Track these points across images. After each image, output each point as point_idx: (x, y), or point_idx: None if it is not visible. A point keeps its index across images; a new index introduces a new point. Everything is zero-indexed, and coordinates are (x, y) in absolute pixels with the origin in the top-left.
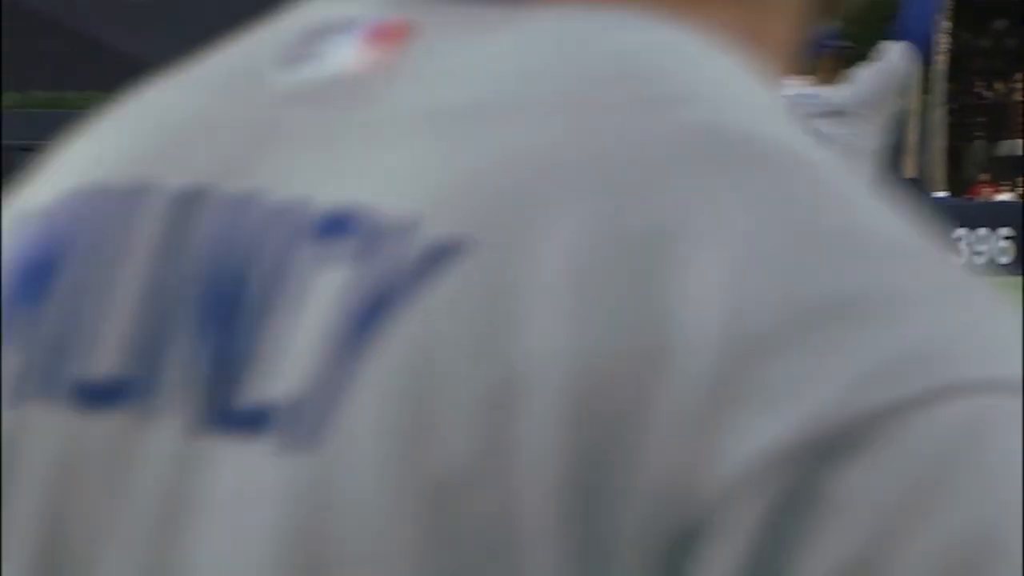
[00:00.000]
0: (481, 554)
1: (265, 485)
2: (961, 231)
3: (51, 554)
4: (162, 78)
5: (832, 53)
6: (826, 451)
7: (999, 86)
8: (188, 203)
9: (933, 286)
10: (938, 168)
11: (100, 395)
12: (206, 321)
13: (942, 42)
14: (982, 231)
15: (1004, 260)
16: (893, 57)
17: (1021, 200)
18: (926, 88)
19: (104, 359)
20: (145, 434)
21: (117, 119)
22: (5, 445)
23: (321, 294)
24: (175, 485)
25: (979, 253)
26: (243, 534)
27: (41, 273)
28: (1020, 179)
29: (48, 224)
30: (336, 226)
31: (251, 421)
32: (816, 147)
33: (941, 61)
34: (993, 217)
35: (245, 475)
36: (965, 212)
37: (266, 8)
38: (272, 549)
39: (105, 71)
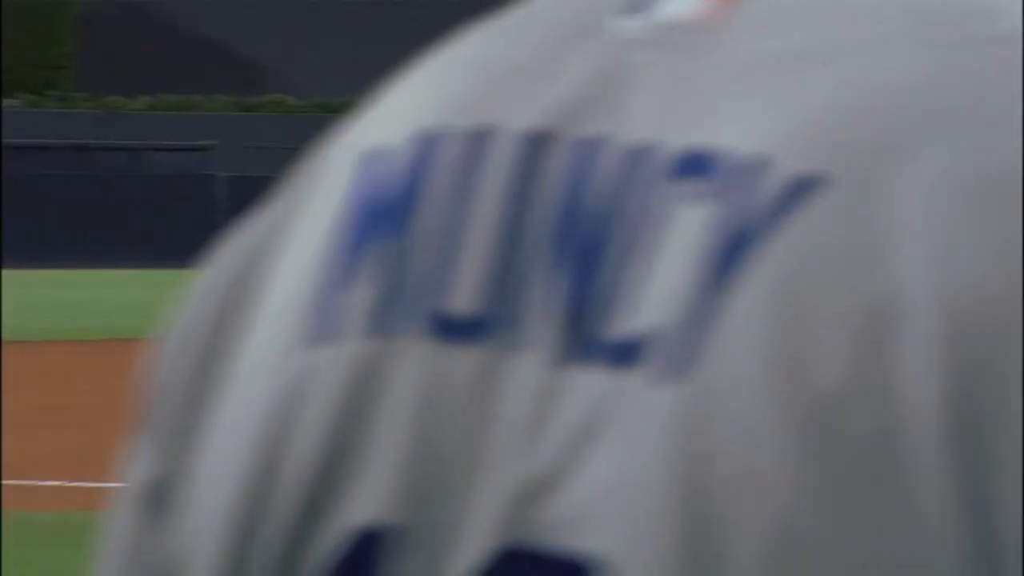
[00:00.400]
0: (863, 473)
1: (646, 412)
2: None
3: (418, 480)
4: (480, 26)
5: None
6: None
7: None
8: (537, 146)
9: None
10: None
11: (462, 330)
12: (565, 259)
13: None
14: None
15: None
16: None
17: None
18: None
19: (463, 296)
20: (508, 367)
21: (445, 64)
22: (364, 374)
23: (682, 232)
24: (541, 414)
25: None
26: (631, 458)
27: (397, 209)
28: None
29: (396, 163)
30: (693, 166)
31: (621, 352)
32: None
33: None
34: None
35: (621, 404)
36: None
37: (385, 17)
38: (661, 472)
39: (228, 75)
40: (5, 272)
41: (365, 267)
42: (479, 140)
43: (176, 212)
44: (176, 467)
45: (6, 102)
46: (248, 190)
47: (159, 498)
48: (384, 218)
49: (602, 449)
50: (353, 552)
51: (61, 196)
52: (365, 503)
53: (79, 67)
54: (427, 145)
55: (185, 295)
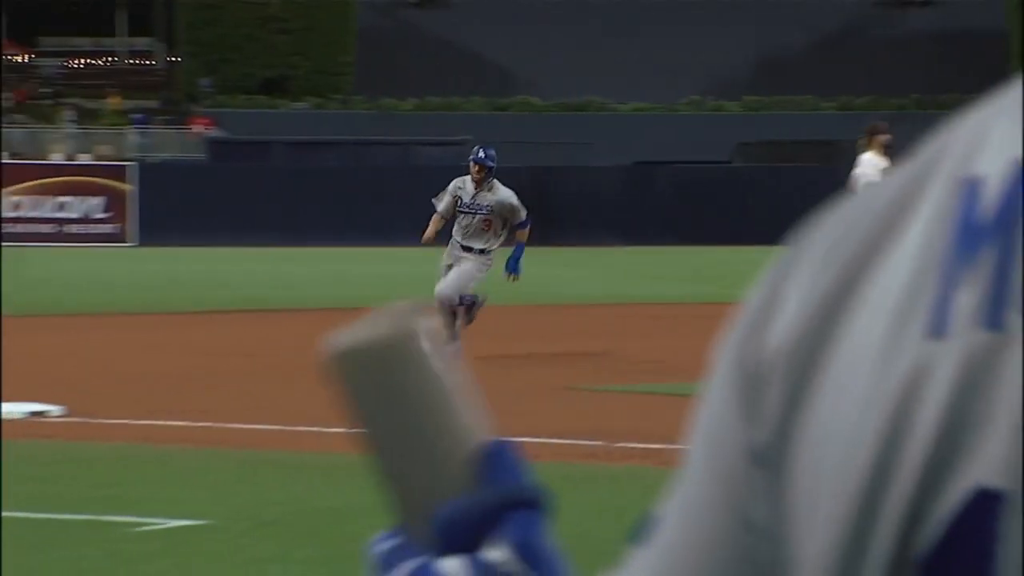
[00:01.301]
0: None
1: None
2: None
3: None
4: None
5: None
6: None
7: None
8: None
9: None
10: None
11: None
12: None
13: None
14: None
15: None
16: None
17: None
18: None
19: None
20: None
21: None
22: (977, 363)
23: None
24: None
25: None
26: None
27: (999, 225)
28: None
29: (995, 187)
30: None
31: None
32: None
33: None
34: None
35: None
36: None
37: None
38: None
39: (483, 80)
40: (308, 250)
41: (971, 273)
42: None
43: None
44: (786, 431)
45: (296, 105)
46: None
47: (764, 460)
48: (987, 232)
49: None
50: (973, 508)
51: (343, 186)
52: (983, 468)
53: (358, 74)
54: (1020, 173)
55: (767, 271)
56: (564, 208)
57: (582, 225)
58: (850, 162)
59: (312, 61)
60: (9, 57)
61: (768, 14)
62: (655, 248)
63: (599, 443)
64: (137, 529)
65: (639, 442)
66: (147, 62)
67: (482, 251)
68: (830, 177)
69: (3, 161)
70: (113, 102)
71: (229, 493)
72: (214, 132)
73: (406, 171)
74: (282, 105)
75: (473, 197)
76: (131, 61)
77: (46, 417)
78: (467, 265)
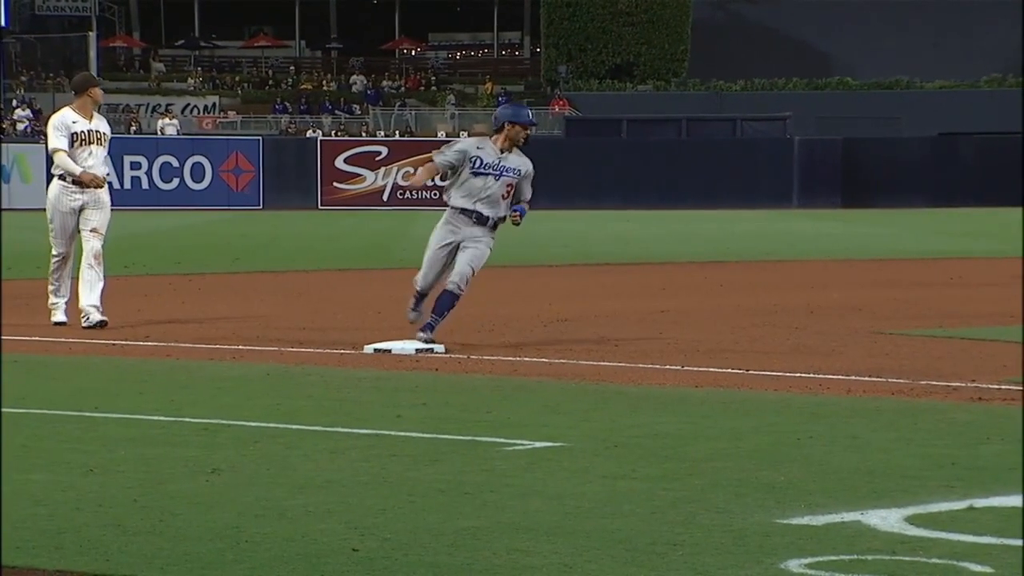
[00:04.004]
0: None
1: None
2: None
3: None
4: None
5: None
6: None
7: None
8: None
9: None
10: None
11: None
12: None
13: None
14: None
15: None
16: None
17: None
18: None
19: None
20: None
21: None
22: None
23: None
24: None
25: None
26: None
27: None
28: None
29: None
30: None
31: None
32: None
33: None
34: None
35: None
36: None
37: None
38: None
39: (804, 63)
40: (643, 212)
41: None
42: None
43: (764, 166)
44: None
45: (640, 87)
46: (816, 150)
47: None
48: None
49: None
50: None
51: (676, 156)
52: None
53: (693, 60)
54: None
55: None
56: (873, 174)
57: (889, 190)
58: None
59: (655, 49)
60: (405, 50)
61: None
62: (958, 210)
63: (904, 381)
64: (507, 449)
65: (939, 380)
66: (515, 53)
67: (495, 224)
68: None
69: (397, 138)
70: (487, 88)
71: (584, 419)
72: (570, 112)
73: (735, 144)
74: (628, 88)
75: (499, 159)
76: (503, 52)
77: (433, 354)
78: (481, 247)
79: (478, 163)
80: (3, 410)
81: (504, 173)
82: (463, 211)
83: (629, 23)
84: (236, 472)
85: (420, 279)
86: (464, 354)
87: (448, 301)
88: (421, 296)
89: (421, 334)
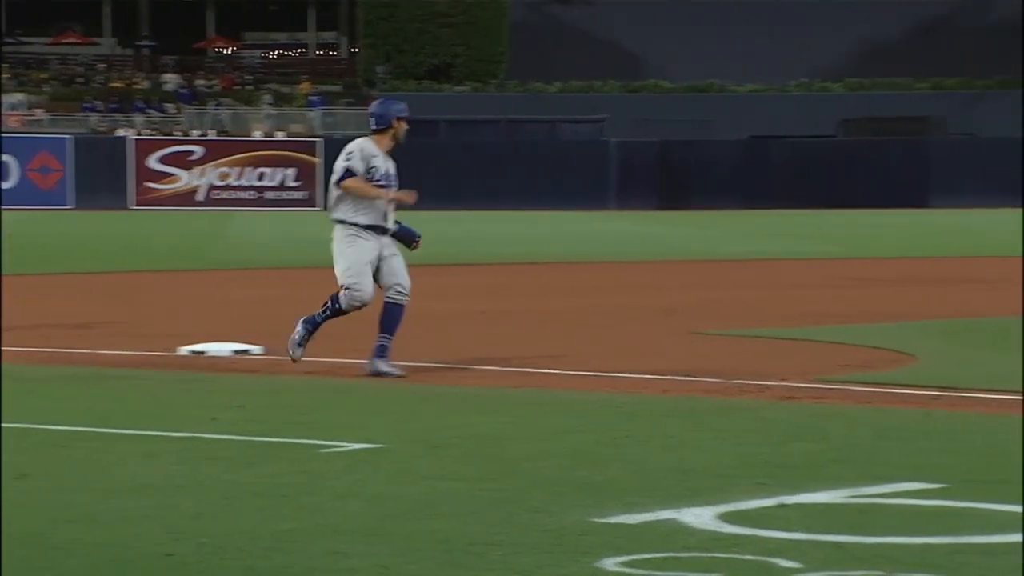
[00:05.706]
0: None
1: None
2: None
3: None
4: None
5: None
6: None
7: None
8: None
9: None
10: None
11: None
12: None
13: None
14: None
15: None
16: None
17: None
18: None
19: None
20: None
21: None
22: None
23: None
24: None
25: None
26: None
27: None
28: None
29: None
30: None
31: None
32: None
33: None
34: None
35: None
36: None
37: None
38: None
39: (618, 65)
40: (465, 213)
41: None
42: None
43: (579, 168)
44: None
45: (458, 88)
46: (631, 151)
47: None
48: None
49: None
50: None
51: (494, 158)
52: None
53: (512, 62)
54: None
55: None
56: (688, 177)
57: (703, 192)
58: (939, 136)
59: (472, 50)
60: (219, 49)
61: (867, 4)
62: (768, 211)
63: (719, 380)
64: (325, 451)
65: (752, 379)
66: (332, 53)
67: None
68: (920, 150)
69: (212, 138)
70: (303, 87)
71: (403, 421)
72: None
73: (551, 145)
74: (446, 89)
75: (386, 164)
76: (319, 52)
77: (249, 356)
78: (399, 257)
79: (376, 174)
80: None
81: (392, 183)
82: (368, 227)
83: (447, 24)
84: (45, 477)
85: (365, 296)
86: (282, 356)
87: (399, 315)
88: (316, 326)
89: (385, 367)
